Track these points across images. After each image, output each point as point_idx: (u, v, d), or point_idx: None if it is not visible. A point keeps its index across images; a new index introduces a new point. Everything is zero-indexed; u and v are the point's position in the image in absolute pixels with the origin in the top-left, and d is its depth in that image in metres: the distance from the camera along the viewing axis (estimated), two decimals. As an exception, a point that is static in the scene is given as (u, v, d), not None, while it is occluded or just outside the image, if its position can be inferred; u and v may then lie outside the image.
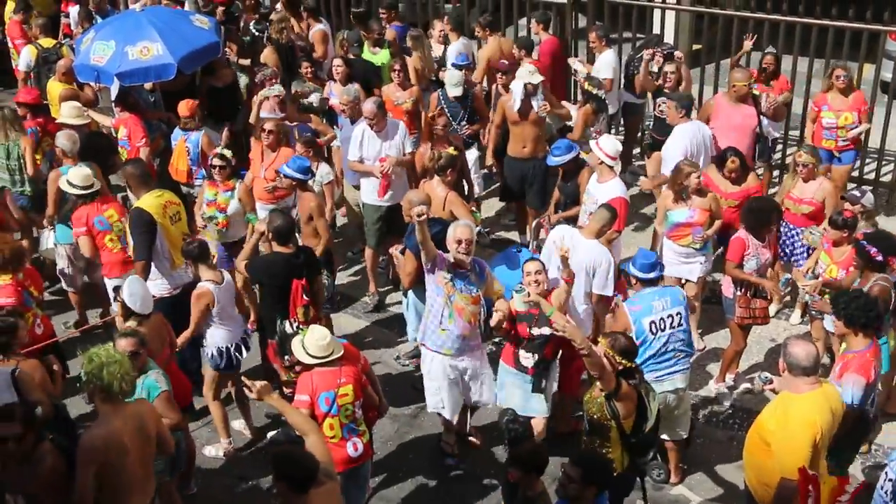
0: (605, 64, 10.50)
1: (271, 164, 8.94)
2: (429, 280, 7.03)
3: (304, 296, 7.41)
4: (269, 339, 7.51)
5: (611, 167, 8.37)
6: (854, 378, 6.01)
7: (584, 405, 6.16)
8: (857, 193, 8.20)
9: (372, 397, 6.58)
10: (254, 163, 9.30)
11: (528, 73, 9.35)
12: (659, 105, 9.87)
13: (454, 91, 9.78)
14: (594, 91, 10.06)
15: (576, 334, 6.00)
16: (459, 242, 6.85)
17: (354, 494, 6.41)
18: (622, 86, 10.83)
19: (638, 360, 6.64)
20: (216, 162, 8.62)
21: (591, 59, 10.94)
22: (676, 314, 6.78)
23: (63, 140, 8.86)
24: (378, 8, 12.05)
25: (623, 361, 5.96)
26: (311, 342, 6.09)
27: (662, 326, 6.73)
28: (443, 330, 7.01)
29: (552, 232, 8.00)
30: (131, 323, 6.66)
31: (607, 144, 8.37)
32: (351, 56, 10.86)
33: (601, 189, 8.23)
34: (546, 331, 6.76)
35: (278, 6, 12.52)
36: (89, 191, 8.07)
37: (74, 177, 8.09)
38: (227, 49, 11.29)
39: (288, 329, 7.27)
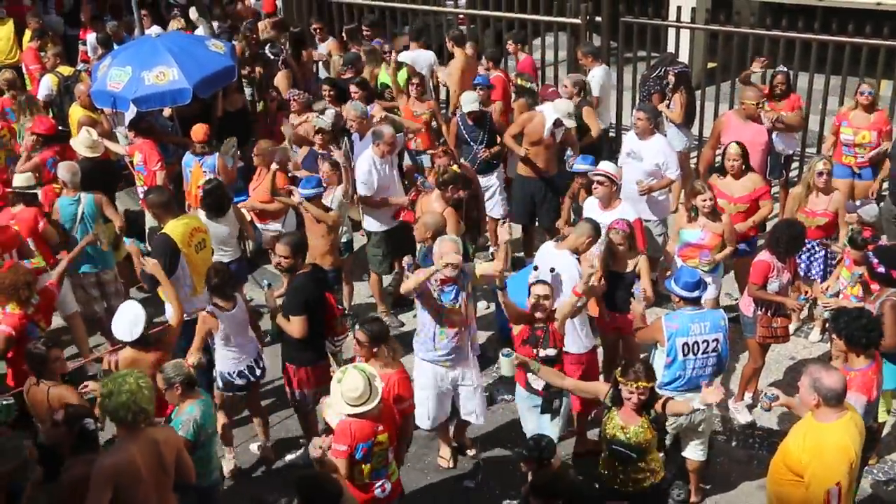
0: (592, 81, 10.57)
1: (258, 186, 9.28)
2: (417, 300, 7.11)
3: (338, 305, 7.53)
4: (303, 366, 7.37)
5: (618, 189, 8.31)
6: (856, 396, 5.96)
7: (609, 438, 6.03)
8: (855, 203, 8.16)
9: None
10: None
11: (565, 114, 9.32)
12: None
13: (470, 106, 9.72)
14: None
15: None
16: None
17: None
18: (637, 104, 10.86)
19: (666, 380, 6.66)
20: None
21: None
22: (713, 340, 6.64)
23: (63, 171, 8.94)
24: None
25: (647, 385, 5.88)
26: (343, 391, 5.86)
27: (696, 350, 6.61)
28: (437, 348, 7.10)
29: (540, 249, 7.96)
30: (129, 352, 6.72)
31: (609, 167, 8.33)
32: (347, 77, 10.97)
33: (610, 217, 8.01)
34: (552, 352, 6.75)
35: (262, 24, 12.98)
36: (27, 191, 8.70)
37: (17, 179, 8.74)
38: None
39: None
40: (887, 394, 6.99)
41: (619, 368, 6.05)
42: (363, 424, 5.89)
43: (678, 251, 8.33)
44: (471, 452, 7.84)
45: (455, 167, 8.76)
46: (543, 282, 6.94)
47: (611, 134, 11.58)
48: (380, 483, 6.05)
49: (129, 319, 6.75)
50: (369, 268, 9.51)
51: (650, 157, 9.11)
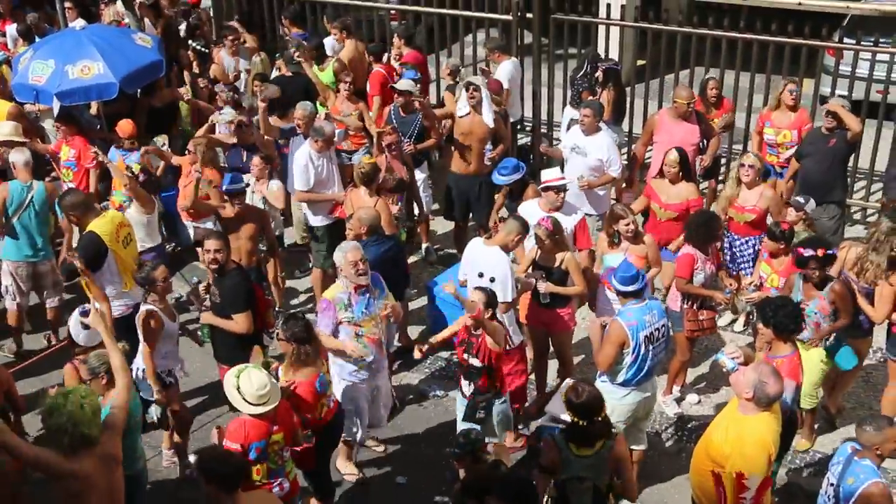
0: (500, 75, 10.65)
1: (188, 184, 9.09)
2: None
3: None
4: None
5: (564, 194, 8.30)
6: (786, 381, 6.08)
7: None
8: (801, 200, 8.32)
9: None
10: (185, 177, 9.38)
11: (475, 77, 9.48)
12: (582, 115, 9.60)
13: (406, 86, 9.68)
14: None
15: None
16: (355, 265, 6.86)
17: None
18: (569, 102, 10.94)
19: (629, 376, 6.70)
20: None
21: None
22: (662, 326, 6.79)
23: (16, 156, 8.73)
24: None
25: (574, 419, 5.69)
26: (248, 391, 5.82)
27: (653, 339, 6.71)
28: (360, 366, 7.06)
29: (469, 246, 7.97)
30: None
31: (551, 174, 8.32)
32: (290, 73, 10.84)
33: (566, 220, 8.05)
34: (476, 363, 6.79)
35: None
36: None
37: None
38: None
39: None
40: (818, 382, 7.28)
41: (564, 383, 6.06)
42: (258, 424, 5.85)
43: (602, 277, 8.09)
44: (379, 448, 7.85)
45: (373, 159, 8.79)
46: (481, 288, 6.93)
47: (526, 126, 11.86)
48: (278, 482, 6.02)
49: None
50: (312, 264, 9.44)
51: (594, 152, 9.22)
